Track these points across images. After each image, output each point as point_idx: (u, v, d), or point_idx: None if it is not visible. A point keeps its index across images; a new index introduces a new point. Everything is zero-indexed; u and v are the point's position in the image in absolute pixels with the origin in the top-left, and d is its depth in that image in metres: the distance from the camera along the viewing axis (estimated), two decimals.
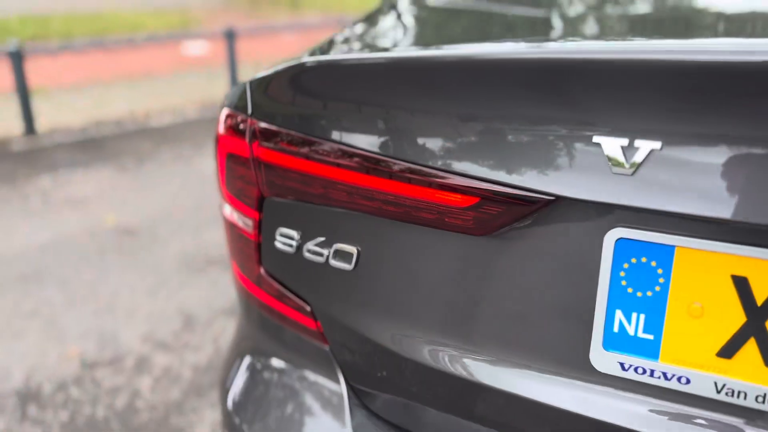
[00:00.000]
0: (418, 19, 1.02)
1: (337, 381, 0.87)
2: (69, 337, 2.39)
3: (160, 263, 2.95)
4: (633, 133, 0.57)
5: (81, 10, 11.73)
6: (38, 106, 5.43)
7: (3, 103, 5.65)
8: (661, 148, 0.56)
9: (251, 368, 0.98)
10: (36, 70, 6.22)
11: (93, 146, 4.75)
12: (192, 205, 3.60)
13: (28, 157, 4.52)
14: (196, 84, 6.59)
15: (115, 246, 3.13)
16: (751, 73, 0.54)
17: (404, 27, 0.98)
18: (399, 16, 1.03)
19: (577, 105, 0.60)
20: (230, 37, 6.05)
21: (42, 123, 5.13)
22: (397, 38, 0.91)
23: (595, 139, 0.59)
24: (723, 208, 0.56)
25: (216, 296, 2.63)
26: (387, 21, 1.00)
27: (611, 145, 0.58)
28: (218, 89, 6.34)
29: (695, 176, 0.56)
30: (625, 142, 0.57)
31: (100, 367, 2.21)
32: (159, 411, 1.99)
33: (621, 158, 0.58)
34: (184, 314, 2.52)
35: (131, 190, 3.88)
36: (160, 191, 3.84)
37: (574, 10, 0.95)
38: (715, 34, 0.75)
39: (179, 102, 5.87)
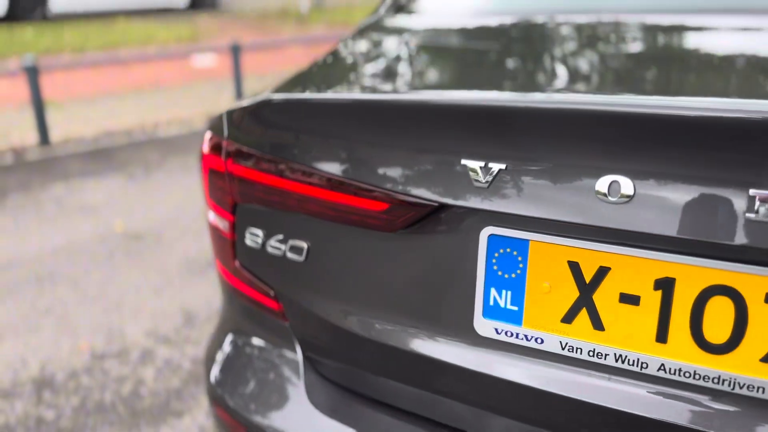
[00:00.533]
0: (364, 60, 1.24)
1: (295, 351, 1.08)
2: (80, 331, 2.61)
3: (165, 265, 3.17)
4: (487, 157, 0.78)
5: (94, 22, 12.05)
6: (52, 117, 5.70)
7: (19, 115, 5.92)
8: (506, 168, 0.78)
9: (230, 345, 1.19)
10: (50, 84, 6.50)
11: (104, 156, 5.00)
12: (195, 212, 3.83)
13: (43, 166, 4.77)
14: (203, 95, 6.85)
15: (123, 250, 3.36)
16: (559, 116, 0.76)
17: (349, 69, 1.20)
18: (349, 58, 1.24)
19: (450, 137, 0.82)
20: (236, 51, 6.30)
21: (56, 134, 5.39)
22: (337, 81, 1.12)
23: (463, 161, 0.80)
24: (555, 212, 0.77)
25: (215, 296, 2.85)
26: (339, 63, 1.21)
27: (473, 166, 0.79)
28: (225, 101, 6.59)
29: (533, 188, 0.77)
30: (482, 163, 0.79)
31: (108, 359, 2.43)
32: (161, 397, 2.21)
33: (479, 175, 0.79)
34: (185, 312, 2.74)
35: (139, 197, 4.11)
36: (166, 199, 4.07)
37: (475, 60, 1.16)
38: (531, 84, 0.96)
39: (187, 113, 6.12)
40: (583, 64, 1.03)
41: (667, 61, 1.00)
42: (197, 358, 2.41)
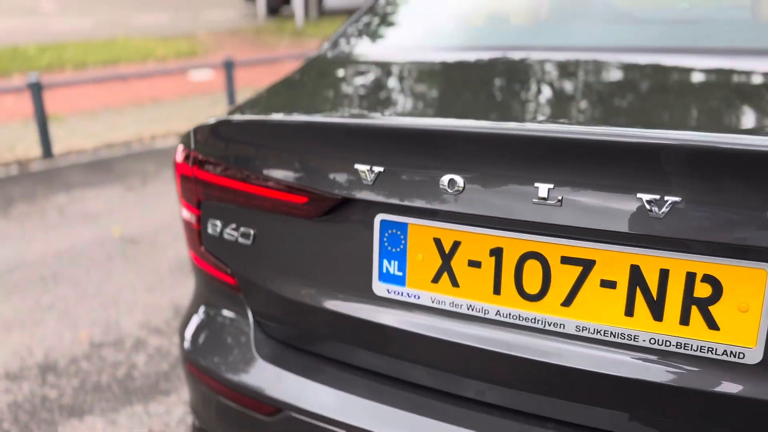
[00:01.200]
0: (301, 89, 1.54)
1: (247, 317, 1.38)
2: (80, 324, 2.90)
3: (158, 266, 3.47)
4: (371, 162, 1.08)
5: (95, 38, 12.41)
6: (55, 131, 6.01)
7: (24, 129, 6.24)
8: (384, 171, 1.07)
9: (198, 315, 1.49)
10: (53, 98, 6.82)
11: (103, 167, 5.31)
12: None
13: (46, 177, 5.07)
14: (199, 109, 7.16)
15: (120, 253, 3.65)
16: (414, 133, 1.06)
17: (288, 96, 1.50)
18: (291, 88, 1.55)
19: (346, 148, 1.12)
20: (229, 67, 6.62)
21: (58, 147, 5.70)
22: (278, 105, 1.42)
23: (355, 166, 1.10)
24: (421, 202, 1.06)
25: None
26: (282, 91, 1.51)
27: (362, 168, 1.09)
28: (219, 113, 6.89)
29: (405, 184, 1.07)
30: (368, 167, 1.08)
31: (105, 347, 2.72)
32: (151, 378, 2.50)
33: (366, 176, 1.09)
34: (175, 306, 3.04)
35: (136, 206, 4.41)
36: (161, 207, 4.37)
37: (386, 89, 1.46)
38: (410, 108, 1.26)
39: (183, 126, 6.42)
40: (450, 94, 1.34)
41: (547, 93, 1.30)
42: None
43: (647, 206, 0.90)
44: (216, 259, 1.39)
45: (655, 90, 1.25)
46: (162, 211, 4.28)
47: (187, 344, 1.46)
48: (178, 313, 2.97)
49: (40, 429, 2.24)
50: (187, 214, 1.43)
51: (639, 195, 0.91)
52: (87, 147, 5.81)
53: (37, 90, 5.37)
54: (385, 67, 1.58)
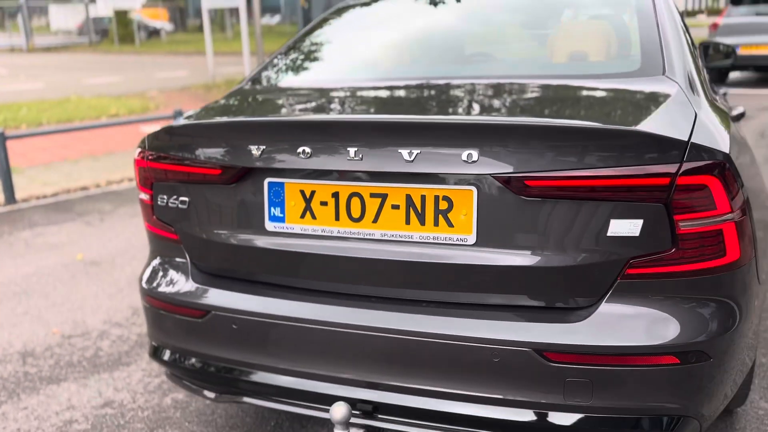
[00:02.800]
0: (222, 107, 2.25)
1: (186, 259, 2.04)
2: (52, 324, 3.47)
3: (117, 281, 4.06)
4: (258, 143, 1.78)
5: (48, 98, 12.96)
6: (15, 180, 6.54)
7: None
8: (267, 148, 1.78)
9: (152, 264, 2.14)
10: (11, 153, 7.36)
11: (63, 208, 5.86)
12: (142, 245, 4.72)
13: (10, 218, 5.60)
14: None
15: (83, 272, 4.23)
16: (282, 124, 1.78)
17: (212, 111, 2.20)
18: (216, 107, 2.25)
19: (244, 136, 1.82)
20: (177, 116, 7.32)
21: (19, 194, 6.24)
22: (204, 115, 2.12)
23: (248, 146, 1.80)
24: (288, 166, 1.77)
25: None
26: (210, 109, 2.22)
27: (253, 148, 1.79)
28: None
29: (279, 156, 1.77)
30: (256, 146, 1.78)
31: (74, 337, 3.30)
32: (114, 356, 3.09)
33: (257, 153, 1.79)
34: (133, 308, 3.63)
35: (96, 237, 4.99)
36: (119, 237, 4.96)
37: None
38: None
39: None
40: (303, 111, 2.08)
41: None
42: (142, 333, 3.30)
43: (406, 156, 1.63)
44: (163, 223, 2.05)
45: (424, 98, 2.02)
46: (119, 240, 4.87)
47: (144, 284, 2.10)
48: (136, 312, 3.57)
49: (26, 392, 2.80)
50: (143, 195, 2.10)
51: (400, 150, 1.64)
52: (47, 192, 6.36)
53: (0, 140, 5.93)
54: (274, 92, 2.32)
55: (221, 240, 1.92)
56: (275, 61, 2.61)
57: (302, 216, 1.81)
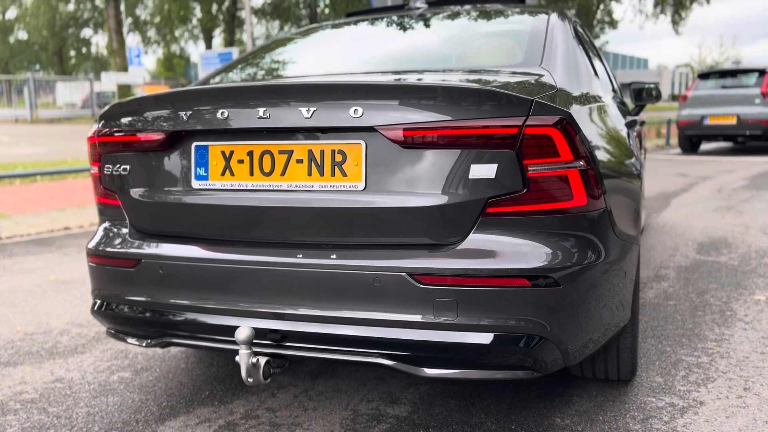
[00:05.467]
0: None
1: (126, 221, 2.32)
2: (17, 324, 3.69)
3: (85, 295, 4.29)
4: (183, 110, 2.10)
5: (45, 160, 13.45)
6: (2, 224, 6.84)
7: None
8: (191, 114, 2.10)
9: (99, 229, 2.42)
10: (2, 202, 7.66)
11: (45, 243, 6.14)
12: None
13: None
14: None
15: (53, 289, 4.47)
16: (203, 93, 2.11)
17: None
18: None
19: (176, 106, 2.14)
20: None
21: (4, 233, 6.52)
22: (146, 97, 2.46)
23: (179, 113, 2.12)
24: (212, 128, 2.09)
25: None
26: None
27: (182, 116, 2.11)
28: None
29: (203, 122, 2.09)
30: (182, 113, 2.10)
31: (37, 334, 3.51)
32: (71, 347, 3.30)
33: (182, 117, 2.11)
34: None
35: (71, 264, 5.24)
36: None
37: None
38: None
39: None
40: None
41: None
42: (100, 331, 3.52)
43: (305, 113, 1.95)
44: (108, 191, 2.35)
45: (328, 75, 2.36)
46: None
47: (88, 247, 2.37)
48: None
49: None
50: (94, 169, 2.41)
51: (299, 108, 1.96)
52: (31, 232, 6.65)
53: None
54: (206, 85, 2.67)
55: (155, 200, 2.21)
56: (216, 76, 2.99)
57: (222, 173, 2.11)
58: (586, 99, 2.33)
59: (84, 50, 60.15)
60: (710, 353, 3.01)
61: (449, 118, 1.88)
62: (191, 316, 2.14)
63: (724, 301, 3.80)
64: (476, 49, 2.84)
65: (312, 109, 1.95)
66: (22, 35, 57.62)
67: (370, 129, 1.92)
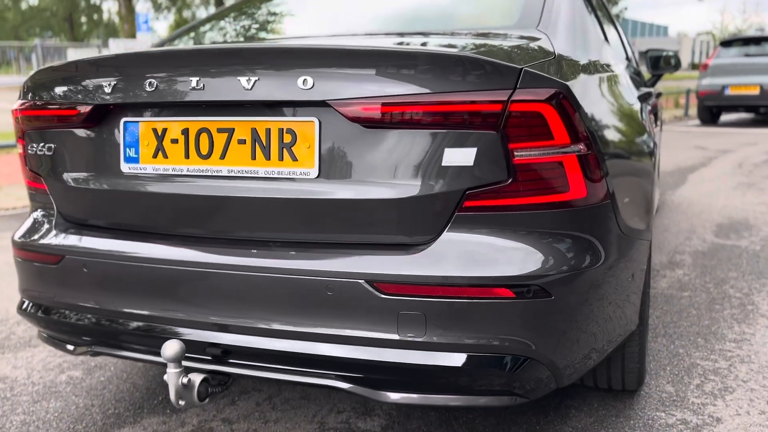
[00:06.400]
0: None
1: (53, 209, 2.00)
2: None
3: None
4: (109, 84, 1.77)
5: None
6: None
7: None
8: (114, 86, 1.76)
9: (27, 221, 2.10)
10: None
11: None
12: None
13: None
14: None
15: None
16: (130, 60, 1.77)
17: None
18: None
19: (100, 77, 1.81)
20: None
21: None
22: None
23: (104, 87, 1.78)
24: (140, 102, 1.75)
25: None
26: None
27: (106, 87, 1.78)
28: None
29: (132, 96, 1.76)
30: (110, 84, 1.77)
31: None
32: (24, 339, 3.02)
33: (108, 91, 1.77)
34: None
35: None
36: None
37: None
38: None
39: None
40: None
41: None
42: None
43: (245, 84, 1.61)
44: (35, 174, 2.03)
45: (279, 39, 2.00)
46: None
47: (14, 238, 2.06)
48: None
49: None
50: (20, 148, 2.09)
51: (238, 78, 1.62)
52: (17, 205, 6.38)
53: None
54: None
55: (81, 186, 1.89)
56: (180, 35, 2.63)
57: (155, 156, 1.78)
58: (592, 68, 1.96)
59: (95, 17, 59.51)
60: (729, 357, 2.67)
61: (419, 91, 1.53)
62: (118, 323, 1.83)
63: (745, 292, 3.45)
64: (462, 8, 2.46)
65: (253, 79, 1.61)
66: (34, 1, 57.08)
67: (323, 104, 1.58)
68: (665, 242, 4.48)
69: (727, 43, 13.53)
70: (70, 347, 1.98)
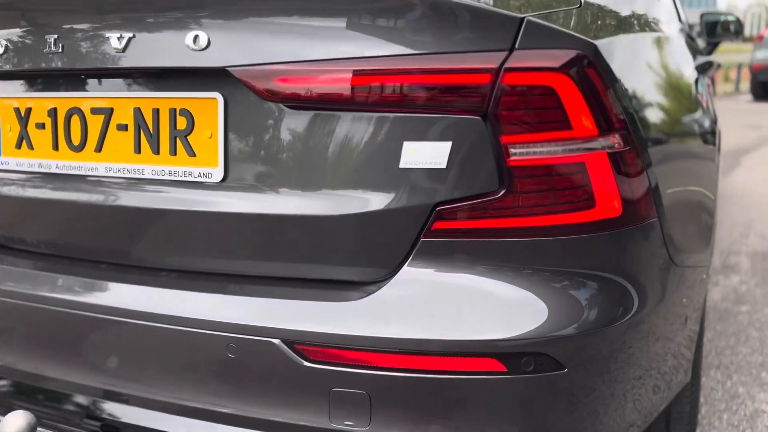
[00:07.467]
0: None
1: None
2: None
3: None
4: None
5: None
6: None
7: None
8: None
9: None
10: None
11: None
12: None
13: None
14: None
15: None
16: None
17: None
18: None
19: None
20: None
21: None
22: None
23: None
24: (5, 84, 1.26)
25: None
26: None
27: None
28: None
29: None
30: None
31: None
32: None
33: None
34: None
35: None
36: None
37: None
38: None
39: None
40: None
41: None
42: None
43: (115, 43, 1.10)
44: None
45: None
46: None
47: None
48: None
49: None
50: None
51: (107, 34, 1.11)
52: None
53: None
54: None
55: (16, 194, 1.39)
56: None
57: (18, 146, 1.29)
58: (635, 23, 1.38)
59: None
60: None
61: (363, 53, 1.00)
62: None
63: None
64: None
65: (126, 35, 1.10)
66: None
67: (225, 73, 1.06)
68: (717, 240, 3.86)
69: None
70: None
